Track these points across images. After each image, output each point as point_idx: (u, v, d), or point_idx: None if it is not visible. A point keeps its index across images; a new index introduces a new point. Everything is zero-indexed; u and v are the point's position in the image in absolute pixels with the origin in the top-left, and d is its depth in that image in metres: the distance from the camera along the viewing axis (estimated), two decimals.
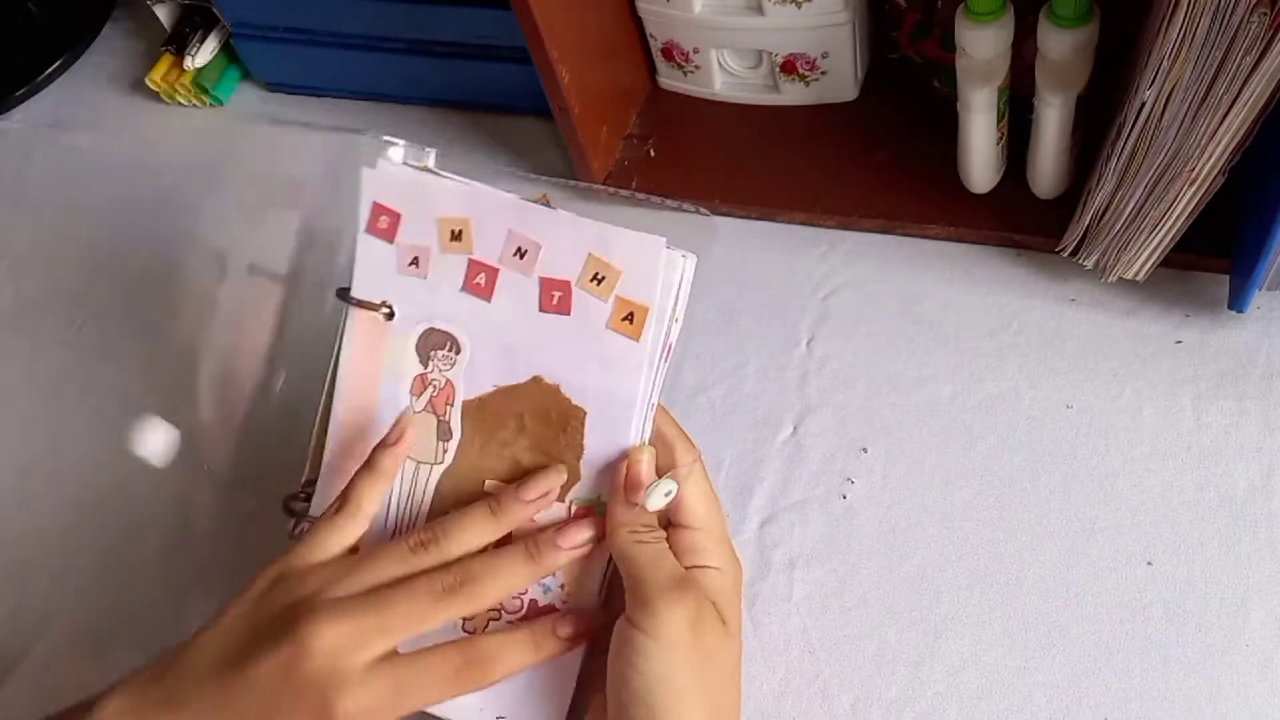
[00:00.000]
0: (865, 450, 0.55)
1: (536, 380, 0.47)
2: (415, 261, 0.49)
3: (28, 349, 0.70)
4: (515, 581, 0.45)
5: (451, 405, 0.48)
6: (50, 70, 0.85)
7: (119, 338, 0.69)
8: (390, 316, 0.49)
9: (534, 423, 0.47)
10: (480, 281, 0.48)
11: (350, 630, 0.41)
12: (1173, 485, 0.52)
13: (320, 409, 0.51)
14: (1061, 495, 0.52)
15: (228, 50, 0.80)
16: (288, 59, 0.77)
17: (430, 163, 0.50)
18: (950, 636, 0.50)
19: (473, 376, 0.48)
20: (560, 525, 0.46)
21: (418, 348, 0.49)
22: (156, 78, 0.80)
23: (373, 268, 0.49)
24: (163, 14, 0.80)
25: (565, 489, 0.47)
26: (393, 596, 0.43)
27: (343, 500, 0.47)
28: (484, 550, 0.46)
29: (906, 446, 0.55)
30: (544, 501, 0.47)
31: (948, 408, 0.56)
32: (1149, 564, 0.50)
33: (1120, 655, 0.48)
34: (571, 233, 0.46)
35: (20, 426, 0.67)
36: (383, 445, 0.48)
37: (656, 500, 0.45)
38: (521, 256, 0.47)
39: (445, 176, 0.48)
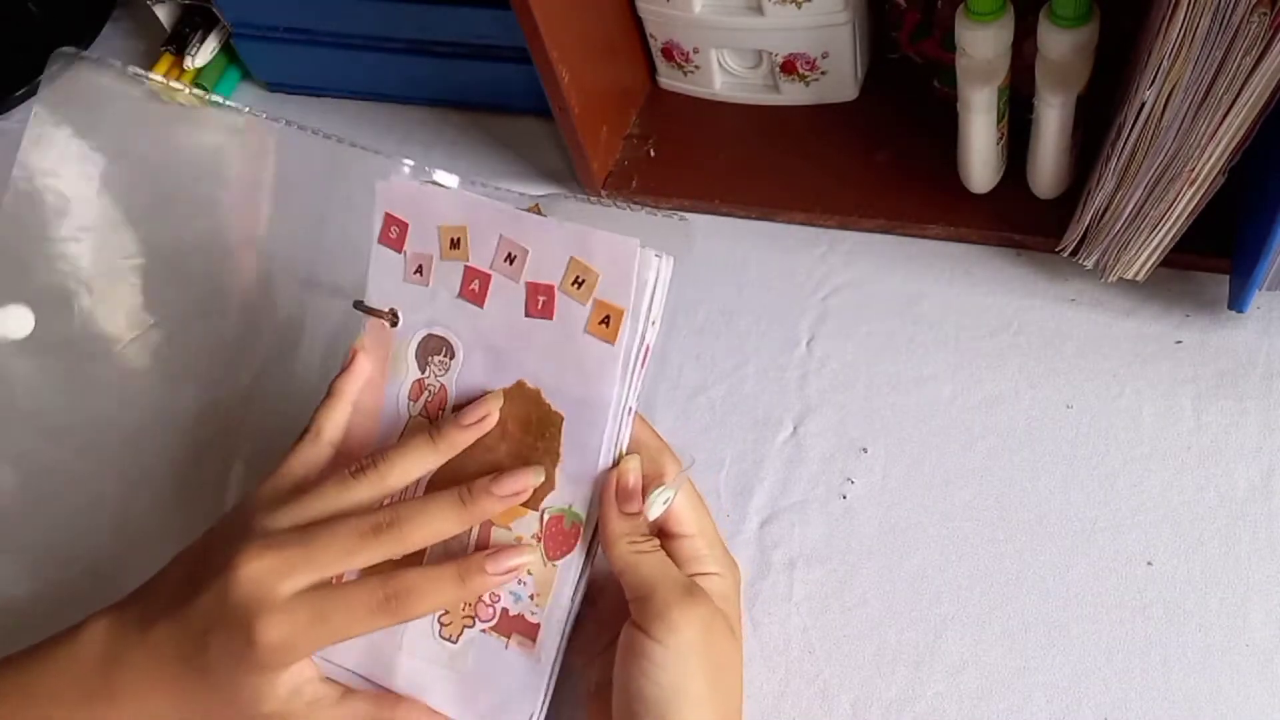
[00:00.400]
0: (865, 450, 0.55)
1: (520, 385, 0.47)
2: (420, 270, 0.50)
3: (28, 347, 0.70)
4: (444, 525, 0.45)
5: (445, 410, 0.49)
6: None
7: (118, 338, 0.69)
8: (395, 323, 0.50)
9: (516, 427, 0.47)
10: (475, 288, 0.48)
11: (277, 561, 0.43)
12: (1173, 485, 0.52)
13: None
14: (1061, 495, 0.52)
15: (228, 50, 0.80)
16: (288, 59, 0.77)
17: (444, 179, 0.51)
18: (950, 636, 0.50)
19: (463, 381, 0.49)
20: (496, 474, 0.46)
21: (417, 354, 0.50)
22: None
23: (383, 276, 0.51)
24: (163, 14, 0.80)
25: (540, 496, 0.47)
26: (321, 531, 0.44)
27: (305, 430, 0.49)
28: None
29: (906, 446, 0.55)
30: (485, 424, 0.47)
31: (948, 408, 0.56)
32: (1149, 564, 0.50)
33: (1120, 655, 0.48)
34: (555, 237, 0.47)
35: (19, 427, 0.67)
36: (340, 374, 0.50)
37: (657, 509, 0.45)
38: (511, 262, 0.48)
39: (448, 188, 0.50)
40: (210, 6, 0.76)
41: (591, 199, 0.67)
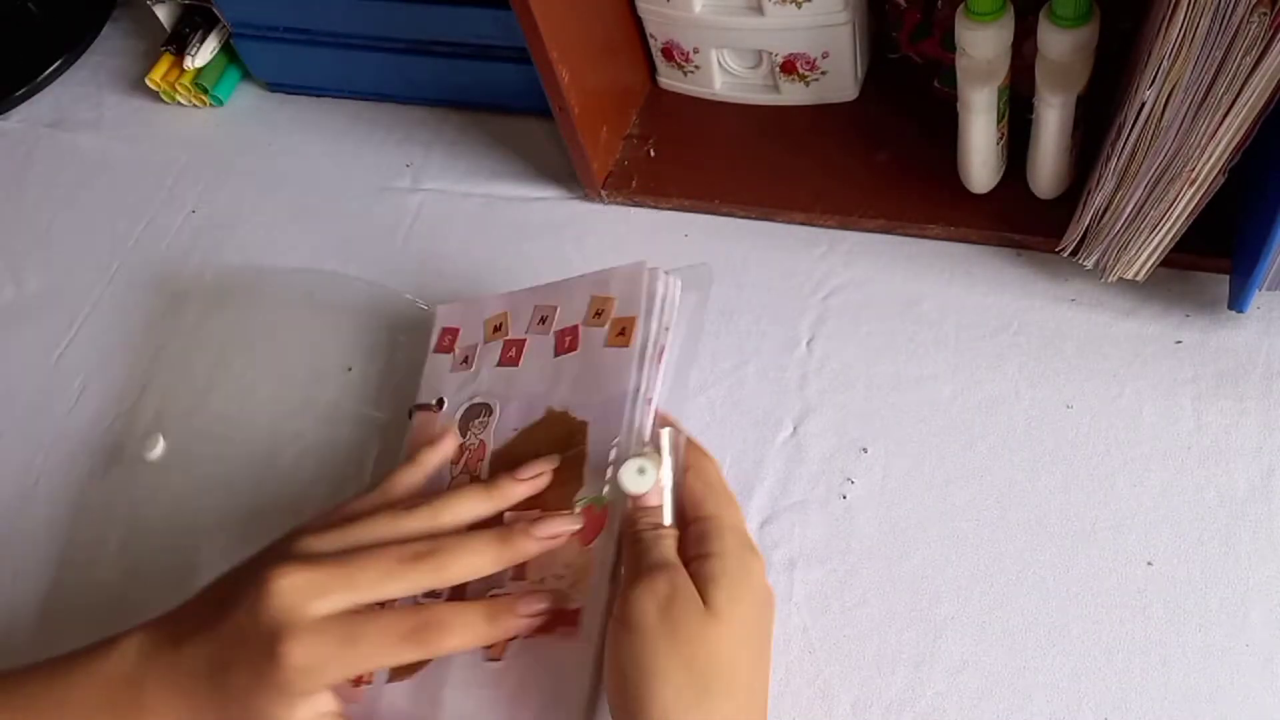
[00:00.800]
0: (865, 450, 0.55)
1: (549, 412, 0.52)
2: (466, 360, 0.56)
3: (27, 348, 0.70)
4: (482, 561, 0.46)
5: (483, 460, 0.53)
6: (50, 70, 0.85)
7: (118, 339, 0.69)
8: (440, 407, 0.55)
9: (548, 450, 0.51)
10: (512, 354, 0.55)
11: (313, 579, 0.43)
12: (1173, 485, 0.52)
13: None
14: (1061, 495, 0.52)
15: (228, 50, 0.80)
16: (288, 59, 0.77)
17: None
18: (950, 636, 0.50)
19: (500, 428, 0.53)
20: (538, 517, 0.47)
21: (460, 424, 0.54)
22: (156, 78, 0.80)
23: (434, 377, 0.57)
24: (163, 14, 0.80)
25: (570, 494, 0.49)
26: (362, 554, 0.44)
27: (377, 483, 0.51)
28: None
29: (906, 446, 0.55)
30: (539, 481, 0.49)
31: (948, 408, 0.56)
32: (1149, 564, 0.50)
33: (1120, 655, 0.48)
34: (579, 288, 0.54)
35: (14, 429, 0.67)
36: (427, 445, 0.53)
37: (630, 479, 0.46)
38: (543, 322, 0.55)
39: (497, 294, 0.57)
40: (210, 6, 0.76)
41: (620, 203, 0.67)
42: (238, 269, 0.70)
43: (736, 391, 0.59)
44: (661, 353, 0.50)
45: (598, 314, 0.52)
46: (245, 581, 0.44)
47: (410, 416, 0.57)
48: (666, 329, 0.51)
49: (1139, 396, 0.54)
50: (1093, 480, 0.53)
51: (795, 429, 0.57)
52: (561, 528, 0.47)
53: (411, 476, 0.51)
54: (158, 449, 0.61)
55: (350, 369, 0.63)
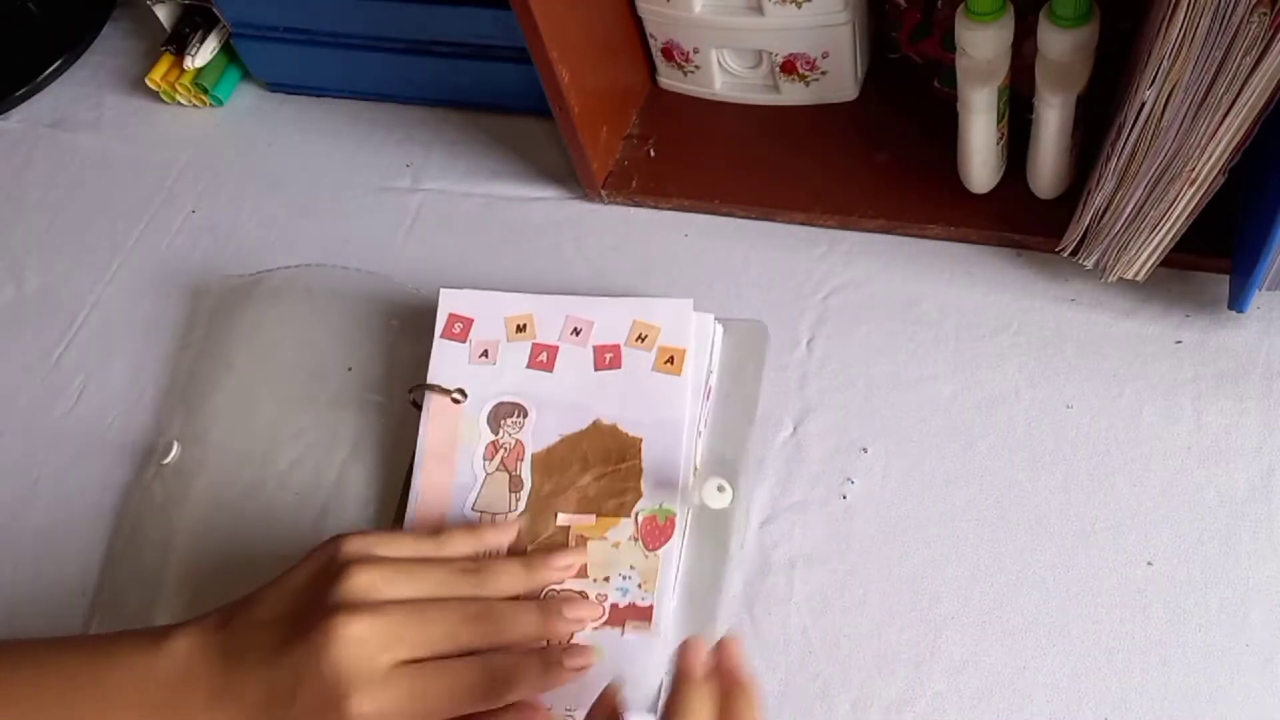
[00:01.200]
0: (865, 450, 0.56)
1: (596, 423, 0.56)
2: (485, 353, 0.58)
3: (27, 348, 0.70)
4: (528, 631, 0.48)
5: (522, 460, 0.56)
6: (50, 70, 0.85)
7: (118, 339, 0.69)
8: (462, 400, 0.57)
9: (596, 459, 0.55)
10: (543, 359, 0.58)
11: (380, 630, 0.44)
12: (1173, 485, 0.52)
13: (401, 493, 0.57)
14: (1061, 495, 0.52)
15: (228, 50, 0.80)
16: (288, 59, 0.77)
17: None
18: (950, 636, 0.50)
19: (540, 431, 0.57)
20: (570, 599, 0.51)
21: (489, 420, 0.57)
22: (156, 78, 0.80)
23: (446, 363, 0.59)
24: (163, 14, 0.80)
25: (631, 504, 0.54)
26: (429, 609, 0.46)
27: (440, 532, 0.51)
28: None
29: (906, 446, 0.55)
30: (571, 571, 0.52)
31: (948, 408, 0.56)
32: (1149, 564, 0.50)
33: (1120, 655, 0.48)
34: (617, 309, 0.58)
35: (14, 429, 0.67)
36: (495, 528, 0.54)
37: (711, 496, 0.53)
38: (577, 334, 0.58)
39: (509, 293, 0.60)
40: (210, 6, 0.76)
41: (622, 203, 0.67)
42: (237, 268, 0.70)
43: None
44: (710, 394, 0.56)
45: (640, 338, 0.57)
46: (310, 611, 0.44)
47: (415, 403, 0.58)
48: (713, 371, 0.57)
49: (1139, 396, 0.54)
50: (1093, 480, 0.53)
51: (795, 429, 0.57)
52: (587, 613, 0.51)
53: (468, 544, 0.52)
54: (172, 454, 0.61)
55: (350, 369, 0.63)
